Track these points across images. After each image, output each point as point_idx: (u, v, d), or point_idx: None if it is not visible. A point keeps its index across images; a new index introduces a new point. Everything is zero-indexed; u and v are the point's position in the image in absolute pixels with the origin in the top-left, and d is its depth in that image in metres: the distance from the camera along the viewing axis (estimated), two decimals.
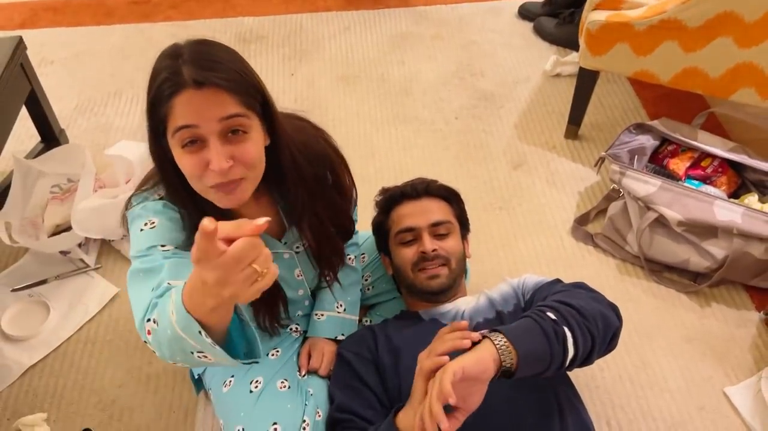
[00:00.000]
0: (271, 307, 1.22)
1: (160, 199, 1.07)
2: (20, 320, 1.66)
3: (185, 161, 0.94)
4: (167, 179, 1.02)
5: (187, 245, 1.03)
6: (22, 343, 1.61)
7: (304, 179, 1.13)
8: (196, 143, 0.92)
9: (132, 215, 1.07)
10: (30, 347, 1.60)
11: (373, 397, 1.19)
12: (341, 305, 1.39)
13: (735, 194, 1.78)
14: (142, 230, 1.04)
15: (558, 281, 1.29)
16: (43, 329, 1.63)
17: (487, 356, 0.95)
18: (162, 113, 0.92)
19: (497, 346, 0.96)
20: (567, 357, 1.01)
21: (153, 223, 1.04)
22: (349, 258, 1.41)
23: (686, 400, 1.46)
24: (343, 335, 1.37)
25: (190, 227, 1.04)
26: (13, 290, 1.73)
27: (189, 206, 1.03)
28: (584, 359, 1.06)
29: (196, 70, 0.90)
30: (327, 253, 1.25)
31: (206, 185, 0.96)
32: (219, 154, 0.91)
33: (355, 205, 1.36)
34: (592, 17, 1.82)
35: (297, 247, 1.24)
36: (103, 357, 1.59)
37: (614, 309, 1.16)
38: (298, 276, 1.26)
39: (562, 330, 1.01)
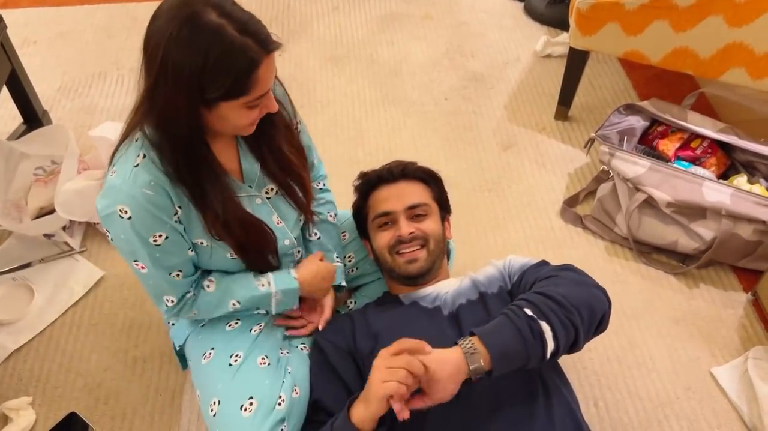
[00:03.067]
0: (259, 254, 1.23)
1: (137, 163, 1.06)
2: (4, 304, 1.64)
3: (250, 114, 1.05)
4: (179, 138, 1.04)
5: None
6: (6, 327, 1.59)
7: (276, 125, 1.18)
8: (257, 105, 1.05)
9: (103, 213, 1.07)
10: (14, 331, 1.59)
11: (343, 390, 1.18)
12: (337, 258, 1.42)
13: (724, 176, 1.78)
14: (122, 236, 1.08)
15: (544, 262, 1.27)
16: (28, 312, 1.62)
17: (453, 358, 0.97)
18: (242, 89, 0.99)
19: (464, 350, 0.97)
20: (547, 351, 1.01)
21: (126, 212, 1.05)
22: (330, 215, 1.43)
23: (673, 380, 1.47)
24: (343, 283, 1.40)
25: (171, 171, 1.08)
26: None
27: (186, 159, 1.07)
28: (570, 347, 1.06)
29: (269, 42, 0.99)
30: (300, 188, 1.27)
31: (249, 124, 1.08)
32: (272, 98, 1.07)
33: (314, 149, 1.40)
34: None
35: (266, 192, 1.24)
36: (88, 341, 1.58)
37: (602, 291, 1.15)
38: (278, 223, 1.25)
39: (538, 325, 1.01)
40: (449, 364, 0.97)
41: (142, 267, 1.13)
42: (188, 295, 1.21)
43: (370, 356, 1.18)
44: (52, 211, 1.74)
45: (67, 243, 1.76)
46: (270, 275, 1.27)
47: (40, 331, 1.59)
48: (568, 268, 1.20)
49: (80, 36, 2.54)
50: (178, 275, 1.16)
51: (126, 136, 1.09)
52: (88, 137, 1.83)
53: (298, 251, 1.35)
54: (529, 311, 1.03)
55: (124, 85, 2.30)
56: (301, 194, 1.28)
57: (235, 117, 1.04)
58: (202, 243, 1.16)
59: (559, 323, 1.02)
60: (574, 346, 1.06)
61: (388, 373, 0.96)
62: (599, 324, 1.11)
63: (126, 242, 1.09)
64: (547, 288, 1.08)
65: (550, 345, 1.01)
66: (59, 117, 2.17)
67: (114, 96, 2.26)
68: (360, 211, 1.42)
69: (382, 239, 1.33)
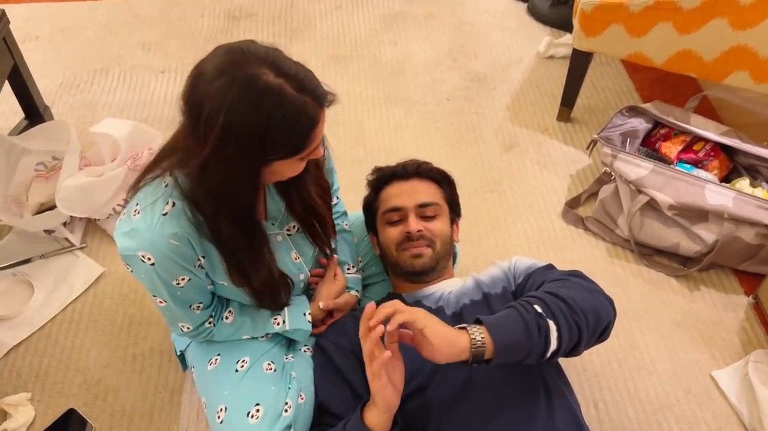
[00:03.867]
0: (275, 295, 1.21)
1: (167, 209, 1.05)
2: (3, 300, 1.63)
3: (300, 166, 1.05)
4: (227, 195, 1.02)
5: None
6: (5, 322, 1.59)
7: (308, 169, 1.15)
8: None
9: (124, 253, 1.06)
10: (14, 326, 1.58)
11: (348, 391, 1.18)
12: (351, 267, 1.42)
13: (726, 179, 1.77)
14: (143, 276, 1.08)
15: (552, 266, 1.27)
16: (27, 308, 1.61)
17: (460, 344, 0.96)
18: (305, 144, 0.98)
19: (472, 340, 0.97)
20: (549, 350, 1.01)
21: (150, 259, 1.04)
22: (345, 224, 1.45)
23: (673, 383, 1.46)
24: (357, 291, 1.40)
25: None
26: None
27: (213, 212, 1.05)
28: (570, 350, 1.05)
29: (323, 98, 0.98)
30: (322, 227, 1.26)
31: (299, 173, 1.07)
32: (320, 148, 1.05)
33: (334, 171, 1.39)
34: None
35: (288, 229, 1.24)
36: (88, 337, 1.58)
37: (609, 301, 1.14)
38: (295, 259, 1.25)
39: (546, 323, 1.01)
40: (455, 348, 0.96)
41: (161, 302, 1.13)
42: (207, 325, 1.21)
43: None
44: (52, 206, 1.74)
45: (67, 239, 1.75)
46: (286, 312, 1.27)
47: (40, 327, 1.59)
48: (577, 274, 1.19)
49: (82, 32, 2.53)
50: (197, 307, 1.16)
51: (150, 170, 1.07)
52: (90, 133, 1.82)
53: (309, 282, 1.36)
54: (538, 308, 1.03)
55: (125, 81, 2.29)
56: (321, 231, 1.28)
57: (289, 171, 1.04)
58: (223, 284, 1.16)
59: (565, 324, 1.02)
60: (574, 349, 1.06)
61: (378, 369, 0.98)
62: (603, 331, 1.10)
63: (147, 281, 1.09)
64: (557, 290, 1.08)
65: (553, 344, 1.01)
66: (61, 113, 2.16)
67: (116, 92, 2.26)
68: (371, 205, 1.42)
69: (391, 234, 1.33)
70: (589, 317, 1.05)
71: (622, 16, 1.75)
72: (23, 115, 2.00)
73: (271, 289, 1.19)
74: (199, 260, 1.09)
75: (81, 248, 1.76)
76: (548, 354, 1.01)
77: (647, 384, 1.47)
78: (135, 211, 1.04)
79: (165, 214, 1.03)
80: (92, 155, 1.88)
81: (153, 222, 1.02)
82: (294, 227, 1.24)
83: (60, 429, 1.41)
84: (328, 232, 1.28)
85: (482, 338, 0.97)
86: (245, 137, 0.92)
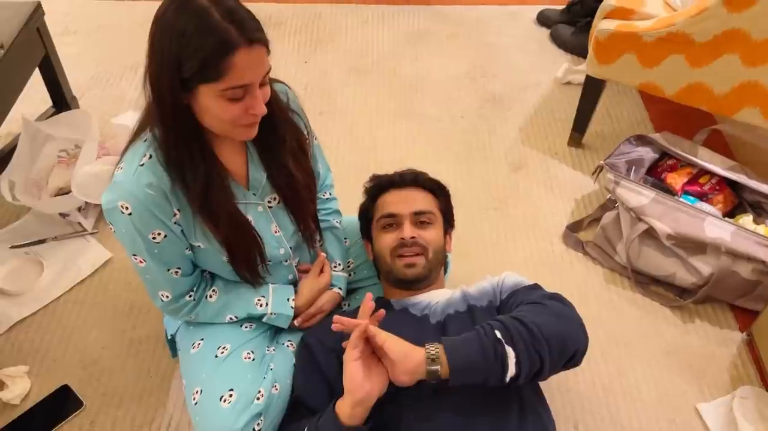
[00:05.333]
0: (246, 253, 1.24)
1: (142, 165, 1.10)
2: (15, 276, 1.71)
3: (230, 108, 1.04)
4: (176, 129, 1.07)
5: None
6: (13, 298, 1.66)
7: (285, 140, 1.21)
8: (242, 96, 1.04)
9: (106, 207, 1.11)
10: (21, 302, 1.65)
11: (325, 388, 1.21)
12: (338, 265, 1.46)
13: (731, 214, 1.77)
14: (123, 230, 1.12)
15: (537, 286, 1.28)
16: (36, 286, 1.68)
17: (415, 357, 1.02)
18: (215, 73, 0.99)
19: (427, 354, 1.02)
20: (506, 375, 1.03)
21: (128, 209, 1.09)
22: (336, 221, 1.49)
23: (657, 412, 1.46)
24: (340, 289, 1.43)
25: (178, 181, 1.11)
26: (12, 247, 1.78)
27: (188, 157, 1.10)
28: (533, 376, 1.07)
29: (252, 32, 0.99)
30: (300, 205, 1.30)
31: (238, 125, 1.07)
32: (259, 98, 1.06)
33: (328, 169, 1.45)
34: (602, 25, 1.82)
35: (269, 201, 1.28)
36: (89, 318, 1.64)
37: (581, 328, 1.15)
38: (275, 232, 1.29)
39: (503, 349, 1.03)
40: (410, 361, 1.01)
41: (141, 261, 1.17)
42: (188, 298, 1.25)
43: None
44: (69, 192, 1.81)
45: (80, 224, 1.82)
46: (270, 293, 1.32)
47: (45, 305, 1.66)
48: (556, 298, 1.20)
49: (118, 29, 2.64)
50: (176, 272, 1.20)
51: (137, 133, 1.13)
52: (111, 124, 1.90)
53: (295, 261, 1.39)
54: (498, 334, 1.05)
55: None
56: (301, 210, 1.31)
57: (216, 108, 1.03)
58: (199, 246, 1.20)
59: (525, 351, 1.04)
60: (537, 376, 1.08)
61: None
62: (570, 359, 1.11)
63: (127, 236, 1.13)
64: (525, 314, 1.09)
65: (511, 370, 1.03)
66: (88, 104, 2.25)
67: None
68: (366, 211, 1.45)
69: (385, 240, 1.36)
70: (552, 345, 1.06)
71: (636, 45, 1.77)
72: (51, 103, 2.08)
73: (241, 241, 1.21)
74: (175, 213, 1.13)
75: (92, 234, 1.82)
76: (507, 379, 1.03)
77: (630, 410, 1.46)
78: (119, 168, 1.12)
79: (142, 164, 1.09)
80: (112, 146, 1.96)
81: (131, 173, 1.09)
82: (275, 199, 1.27)
83: (53, 403, 1.47)
84: (306, 213, 1.32)
85: (436, 353, 1.02)
86: (163, 50, 0.98)
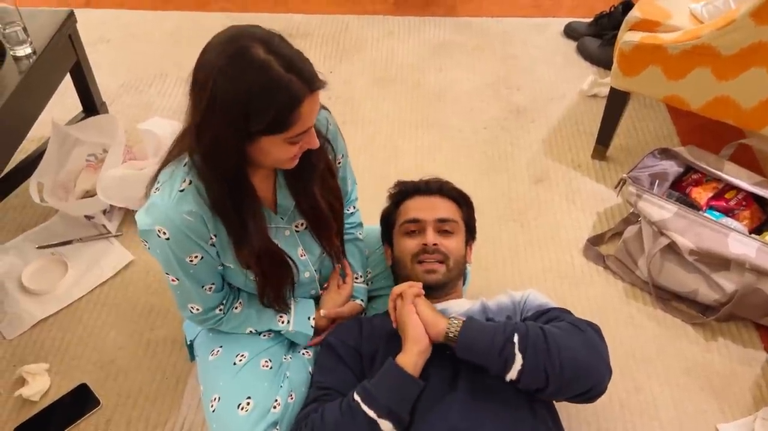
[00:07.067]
0: (277, 286, 1.25)
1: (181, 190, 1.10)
2: (40, 276, 1.75)
3: (291, 149, 1.07)
4: (225, 169, 1.07)
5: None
6: (37, 297, 1.70)
7: (316, 168, 1.21)
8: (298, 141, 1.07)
9: (142, 227, 1.11)
10: (44, 301, 1.69)
11: (350, 375, 1.21)
12: (359, 276, 1.47)
13: (758, 230, 1.72)
14: (158, 251, 1.12)
15: (568, 311, 1.24)
16: (59, 286, 1.72)
17: (439, 326, 1.14)
18: (284, 125, 1.01)
19: (449, 323, 1.13)
20: (507, 375, 1.08)
21: (165, 234, 1.09)
22: (358, 233, 1.50)
23: None
24: (362, 301, 1.45)
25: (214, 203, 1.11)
26: (39, 248, 1.83)
27: (228, 191, 1.10)
28: (536, 390, 1.09)
29: (313, 81, 1.01)
30: (326, 229, 1.30)
31: (290, 158, 1.10)
32: (314, 135, 1.08)
33: (354, 182, 1.46)
34: (627, 38, 1.80)
35: (296, 226, 1.28)
36: (109, 319, 1.67)
37: (607, 368, 1.12)
38: (301, 256, 1.30)
39: (513, 352, 1.07)
40: (433, 328, 1.15)
41: (174, 280, 1.18)
42: (217, 311, 1.26)
43: (373, 358, 1.22)
44: (96, 194, 1.85)
45: (104, 226, 1.86)
46: (292, 311, 1.33)
47: (67, 305, 1.69)
48: (593, 327, 1.17)
49: (150, 39, 2.70)
50: (210, 288, 1.21)
51: (174, 156, 1.13)
52: (137, 129, 1.94)
53: (318, 278, 1.39)
54: (516, 336, 1.07)
55: (180, 86, 2.43)
56: (325, 233, 1.31)
57: (277, 152, 1.06)
58: (229, 267, 1.21)
59: (533, 365, 1.06)
60: (539, 391, 1.09)
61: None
62: (584, 393, 1.10)
63: (162, 257, 1.13)
64: (557, 333, 1.10)
65: (512, 374, 1.07)
66: (117, 110, 2.31)
67: (171, 96, 2.40)
68: (389, 216, 1.46)
69: (407, 245, 1.36)
70: (566, 372, 1.06)
71: (660, 58, 1.75)
72: (81, 108, 2.14)
73: (277, 272, 1.22)
74: (211, 238, 1.13)
75: (116, 236, 1.86)
76: (507, 378, 1.08)
77: (647, 428, 1.43)
78: (156, 188, 1.11)
79: (182, 190, 1.09)
80: (138, 151, 2.00)
81: (170, 198, 1.08)
82: (302, 224, 1.28)
83: (71, 400, 1.49)
84: (331, 235, 1.32)
85: (456, 329, 1.12)
86: (229, 105, 0.97)
